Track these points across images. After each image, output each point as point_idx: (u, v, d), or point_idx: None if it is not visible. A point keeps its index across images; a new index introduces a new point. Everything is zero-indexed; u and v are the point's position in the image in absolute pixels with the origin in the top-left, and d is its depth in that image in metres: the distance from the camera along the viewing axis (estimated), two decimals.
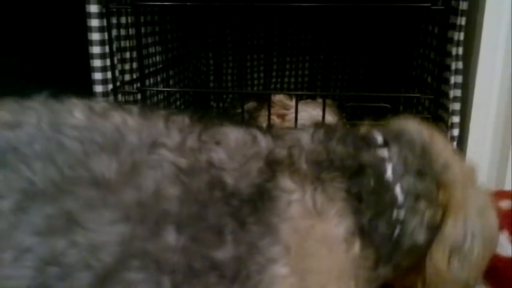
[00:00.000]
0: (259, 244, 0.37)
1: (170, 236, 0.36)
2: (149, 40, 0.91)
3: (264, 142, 0.42)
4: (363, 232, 0.40)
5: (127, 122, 0.41)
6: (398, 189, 0.41)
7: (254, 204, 0.38)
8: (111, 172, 0.37)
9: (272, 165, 0.40)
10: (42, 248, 0.35)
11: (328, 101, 0.86)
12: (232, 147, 0.41)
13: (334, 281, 0.39)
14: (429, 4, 0.72)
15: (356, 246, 0.39)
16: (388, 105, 0.87)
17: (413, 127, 0.46)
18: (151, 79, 0.92)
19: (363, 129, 0.47)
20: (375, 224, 0.40)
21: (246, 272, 0.36)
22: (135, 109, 0.43)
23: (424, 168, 0.43)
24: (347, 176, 0.41)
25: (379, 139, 0.45)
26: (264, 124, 0.87)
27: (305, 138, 0.44)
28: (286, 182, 0.39)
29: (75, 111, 0.41)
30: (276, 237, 0.37)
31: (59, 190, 0.36)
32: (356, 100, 1.09)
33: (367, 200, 0.40)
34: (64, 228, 0.35)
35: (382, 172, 0.42)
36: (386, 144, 0.44)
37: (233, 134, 0.42)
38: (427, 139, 0.45)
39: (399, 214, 0.41)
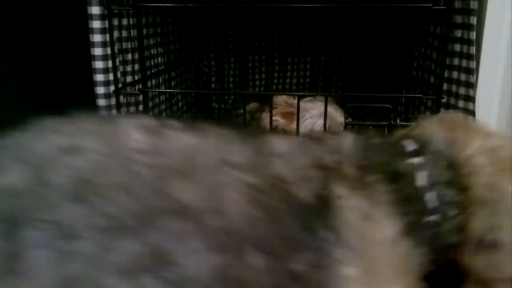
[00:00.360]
0: (327, 248, 0.37)
1: (255, 258, 0.35)
2: (151, 41, 0.91)
3: (311, 149, 0.43)
4: (407, 233, 0.40)
5: (188, 141, 0.39)
6: (429, 197, 0.42)
7: (319, 212, 0.38)
8: (191, 199, 0.35)
9: (324, 172, 0.40)
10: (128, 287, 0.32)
11: (329, 99, 0.86)
12: (289, 158, 0.41)
13: (393, 278, 0.39)
14: (431, 4, 0.72)
15: (405, 246, 0.40)
16: (390, 106, 0.87)
17: (439, 132, 0.46)
18: (153, 81, 0.92)
19: (396, 135, 0.48)
20: (412, 227, 0.41)
21: (318, 276, 0.36)
22: (178, 124, 0.42)
23: (451, 177, 0.43)
24: (386, 181, 0.42)
25: (410, 147, 0.45)
26: (268, 126, 0.88)
27: (347, 144, 0.44)
28: (338, 188, 0.40)
29: (131, 132, 0.39)
30: (341, 240, 0.38)
31: (142, 223, 0.34)
32: (357, 101, 1.09)
33: (403, 205, 0.41)
34: (151, 265, 0.33)
35: (414, 180, 0.43)
36: (416, 152, 0.45)
37: (282, 144, 0.42)
38: (452, 146, 0.45)
39: (431, 219, 0.42)
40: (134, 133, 0.39)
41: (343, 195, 0.39)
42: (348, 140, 0.45)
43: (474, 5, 0.70)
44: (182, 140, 0.39)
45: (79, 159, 0.36)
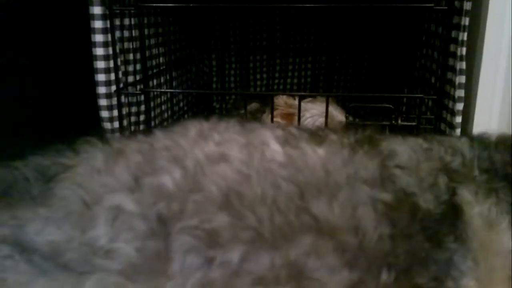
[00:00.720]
0: (454, 260, 0.37)
1: (386, 276, 0.35)
2: (152, 41, 0.91)
3: (434, 151, 0.42)
4: None
5: (319, 155, 0.40)
6: None
7: (447, 222, 0.38)
8: (329, 216, 0.36)
9: (452, 176, 0.40)
10: None
11: (330, 99, 0.87)
12: (412, 165, 0.41)
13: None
14: (432, 4, 0.72)
15: None
16: (391, 106, 0.87)
17: None
18: (154, 81, 0.92)
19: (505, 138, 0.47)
20: None
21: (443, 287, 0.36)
22: (304, 134, 0.43)
23: None
24: (511, 188, 0.40)
25: None
26: None
27: (464, 145, 0.44)
28: (466, 194, 0.39)
29: (270, 142, 0.41)
30: (467, 251, 0.37)
31: (284, 238, 0.35)
32: (359, 101, 1.09)
33: None
34: (288, 278, 0.34)
35: None
36: None
37: (403, 151, 0.42)
38: None
39: None
40: (274, 144, 0.41)
41: (469, 202, 0.39)
42: (463, 141, 0.44)
43: (467, 5, 0.70)
44: (314, 153, 0.40)
45: (227, 169, 0.38)
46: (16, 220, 0.36)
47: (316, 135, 0.44)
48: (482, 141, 0.44)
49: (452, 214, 0.38)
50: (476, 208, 0.39)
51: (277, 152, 0.41)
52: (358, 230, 0.36)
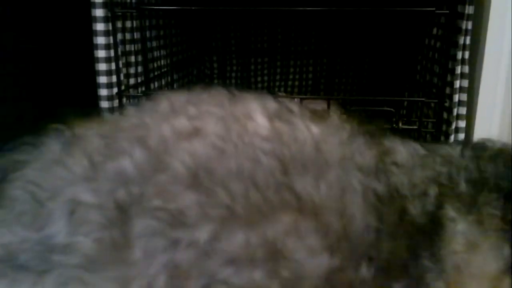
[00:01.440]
0: (426, 278, 0.35)
1: (367, 270, 0.33)
2: (154, 44, 0.91)
3: (428, 159, 0.40)
4: None
5: (313, 132, 0.37)
6: None
7: (429, 235, 0.35)
8: (314, 195, 0.33)
9: (440, 188, 0.38)
10: (238, 279, 0.31)
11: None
12: (408, 168, 0.38)
13: None
14: (434, 8, 0.72)
15: (506, 285, 0.36)
16: (392, 109, 0.87)
17: None
18: (156, 83, 0.92)
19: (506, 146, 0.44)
20: None
21: None
22: (302, 111, 0.39)
23: None
24: (503, 199, 0.37)
25: None
26: None
27: (455, 153, 0.41)
28: (450, 209, 0.37)
29: (256, 115, 0.37)
30: (440, 271, 0.35)
31: (261, 216, 0.32)
32: (359, 104, 1.09)
33: None
34: (264, 258, 0.31)
35: None
36: None
37: (403, 151, 0.40)
38: None
39: None
40: (259, 117, 0.37)
41: (452, 219, 0.36)
42: (455, 149, 0.42)
43: (469, 10, 0.70)
44: (307, 130, 0.37)
45: (199, 144, 0.35)
46: None
47: (317, 115, 0.41)
48: (475, 151, 0.42)
49: (436, 229, 0.36)
50: (459, 225, 0.36)
51: (262, 126, 0.36)
52: (344, 215, 0.33)
